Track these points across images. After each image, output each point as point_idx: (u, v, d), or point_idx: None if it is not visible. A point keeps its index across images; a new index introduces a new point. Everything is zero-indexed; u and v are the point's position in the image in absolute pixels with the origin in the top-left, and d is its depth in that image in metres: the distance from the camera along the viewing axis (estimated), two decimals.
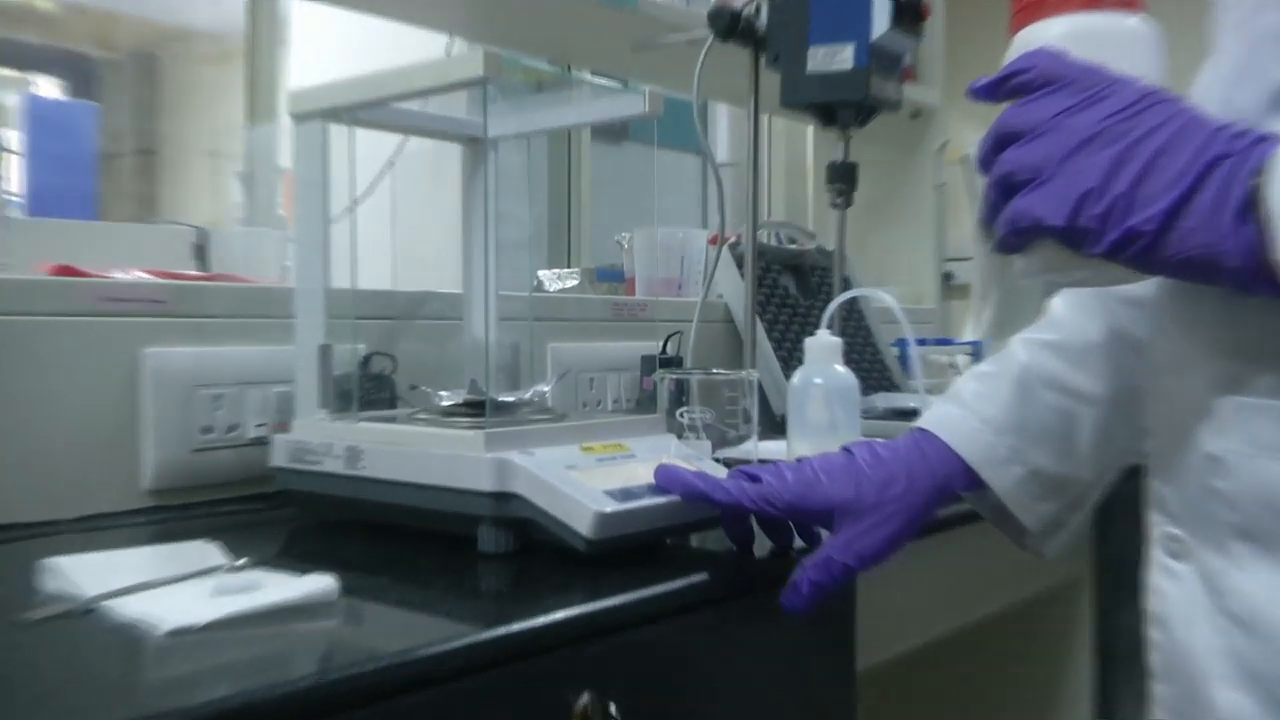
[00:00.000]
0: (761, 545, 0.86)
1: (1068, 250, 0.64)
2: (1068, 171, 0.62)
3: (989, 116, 0.68)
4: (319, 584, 0.70)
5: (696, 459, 0.91)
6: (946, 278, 2.37)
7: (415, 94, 0.91)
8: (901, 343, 1.89)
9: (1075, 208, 0.62)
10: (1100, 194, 0.61)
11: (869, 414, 1.54)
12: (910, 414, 1.57)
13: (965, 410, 0.84)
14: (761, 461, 1.01)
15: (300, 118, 0.98)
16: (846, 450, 0.82)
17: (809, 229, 2.02)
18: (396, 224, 1.26)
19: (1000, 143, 0.66)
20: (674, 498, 0.82)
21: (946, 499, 0.82)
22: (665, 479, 0.82)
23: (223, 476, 1.08)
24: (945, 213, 2.27)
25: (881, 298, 1.23)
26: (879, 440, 0.83)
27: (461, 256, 1.16)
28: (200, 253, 1.67)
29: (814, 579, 0.78)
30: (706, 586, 0.78)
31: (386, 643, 0.63)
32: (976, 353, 1.90)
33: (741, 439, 1.07)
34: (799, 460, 0.82)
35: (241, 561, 0.77)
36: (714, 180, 1.53)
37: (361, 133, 0.99)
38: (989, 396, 0.85)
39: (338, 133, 0.97)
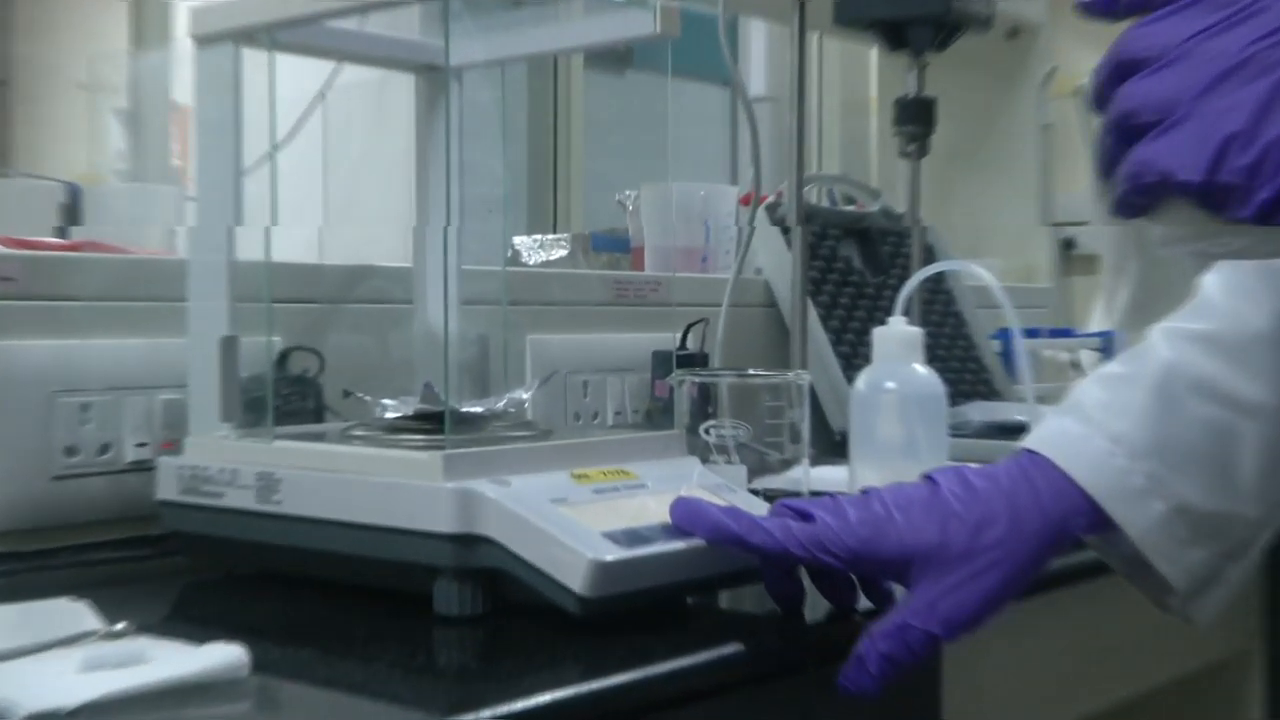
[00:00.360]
0: (814, 605, 0.85)
1: (1205, 213, 0.63)
2: (1205, 111, 0.62)
3: (1107, 38, 0.67)
4: (223, 656, 0.70)
5: (727, 490, 0.91)
6: (1066, 246, 2.37)
7: (354, 8, 0.91)
8: (1004, 334, 1.89)
9: (1215, 158, 0.62)
10: (1248, 140, 0.61)
11: (960, 430, 1.54)
12: (1016, 430, 1.56)
13: (1088, 425, 0.84)
14: (815, 494, 1.00)
15: (204, 40, 0.98)
16: (929, 479, 0.82)
17: (872, 184, 2.01)
18: (329, 178, 1.27)
19: (1118, 73, 0.65)
20: (697, 542, 0.82)
21: (1063, 544, 0.81)
22: (685, 516, 0.82)
23: (93, 513, 1.08)
24: (1054, 162, 2.27)
25: (976, 274, 1.23)
26: (972, 466, 0.83)
27: (414, 220, 1.15)
28: (70, 214, 1.68)
29: (885, 652, 0.77)
30: (741, 661, 0.78)
31: None
32: (1106, 347, 1.90)
33: (787, 464, 1.08)
34: (865, 493, 0.82)
35: (120, 626, 0.77)
36: (746, 120, 1.53)
37: (284, 60, 0.99)
38: (1120, 407, 0.84)
39: (252, 59, 0.97)
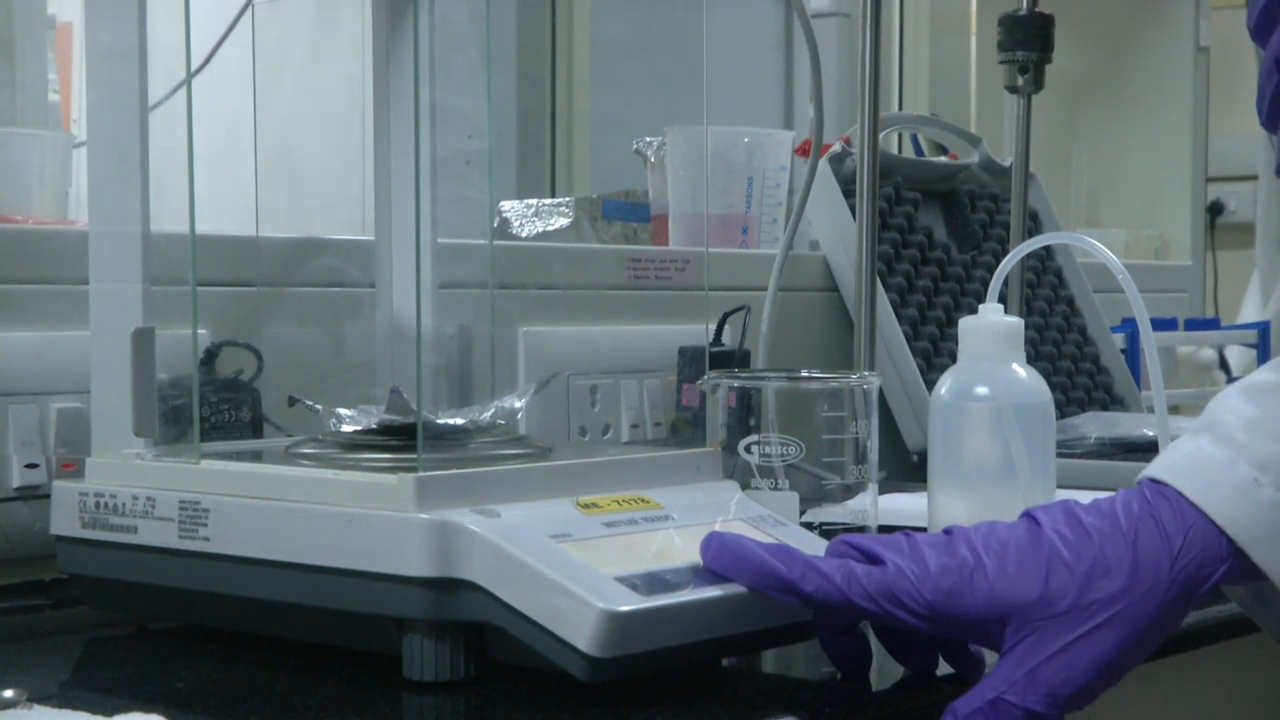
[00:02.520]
0: (881, 668, 0.87)
1: None
2: None
3: None
4: None
5: (773, 523, 0.93)
6: (1213, 212, 2.38)
7: None
8: (1129, 326, 1.90)
9: None
10: None
11: (1072, 449, 1.56)
12: (1143, 448, 1.58)
13: (1230, 449, 0.85)
14: (884, 530, 1.02)
15: None
16: (1029, 518, 0.83)
17: (969, 129, 2.03)
18: (261, 125, 1.28)
19: None
20: (735, 589, 0.84)
21: (1197, 597, 0.83)
22: (721, 556, 0.84)
23: None
24: (1212, 98, 2.27)
25: (1095, 248, 1.24)
26: (1083, 501, 0.84)
27: (373, 179, 1.18)
28: None
29: None
30: None
31: None
32: (1261, 344, 1.91)
33: (850, 491, 1.09)
34: (947, 532, 0.84)
35: (8, 694, 0.78)
36: (806, 43, 1.54)
37: None
38: (1273, 428, 0.85)
39: None
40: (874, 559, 0.82)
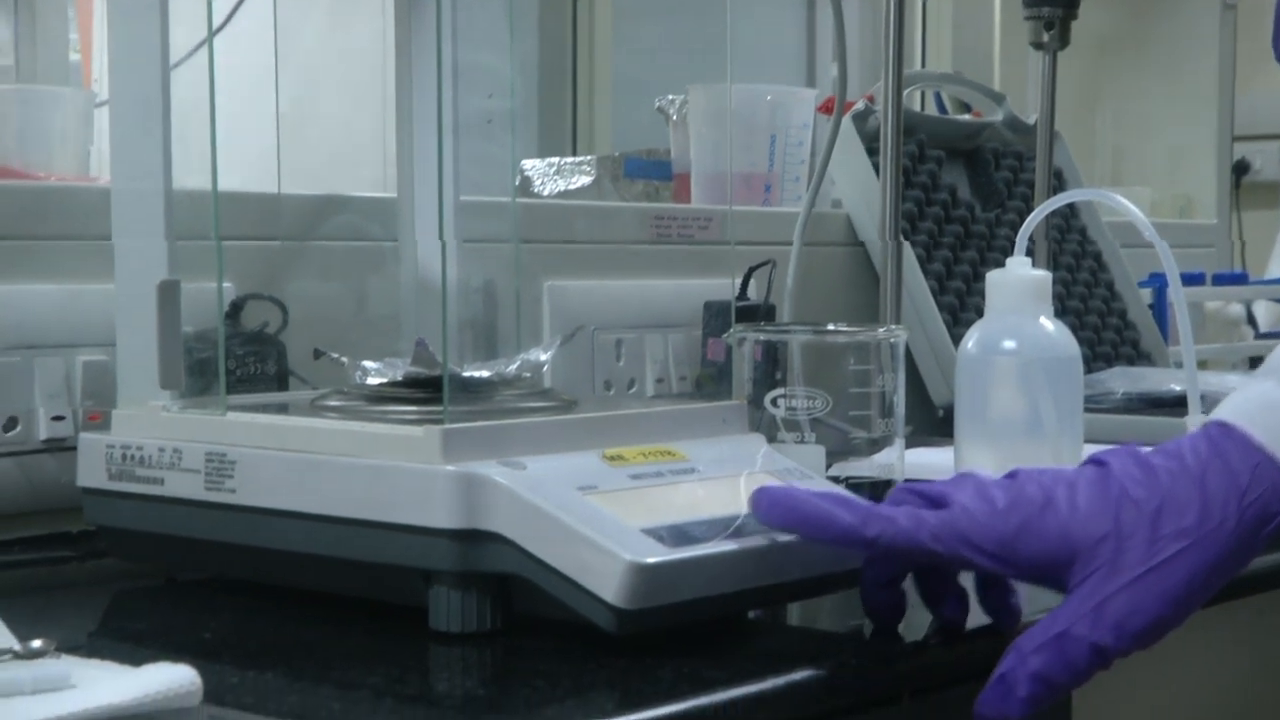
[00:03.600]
0: (910, 624, 0.87)
1: None
2: None
3: None
4: (167, 680, 0.71)
5: (800, 476, 0.93)
6: (1239, 171, 2.37)
7: None
8: (1156, 280, 1.89)
9: None
10: None
11: (1099, 403, 1.55)
12: (1171, 404, 1.58)
13: None
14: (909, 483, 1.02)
15: None
16: (1095, 461, 0.84)
17: (993, 86, 2.02)
18: (284, 78, 1.28)
19: None
20: (759, 541, 0.84)
21: (1265, 534, 0.83)
22: (775, 508, 0.84)
23: None
24: (1239, 56, 2.27)
25: (1121, 205, 1.24)
26: (1143, 447, 0.84)
27: (395, 137, 1.17)
28: None
29: (1038, 670, 0.79)
30: (817, 689, 0.80)
31: None
32: None
33: (876, 444, 1.09)
34: (1012, 475, 0.84)
35: (37, 644, 0.78)
36: (828, 2, 1.53)
37: None
38: None
39: None
40: (939, 502, 0.82)
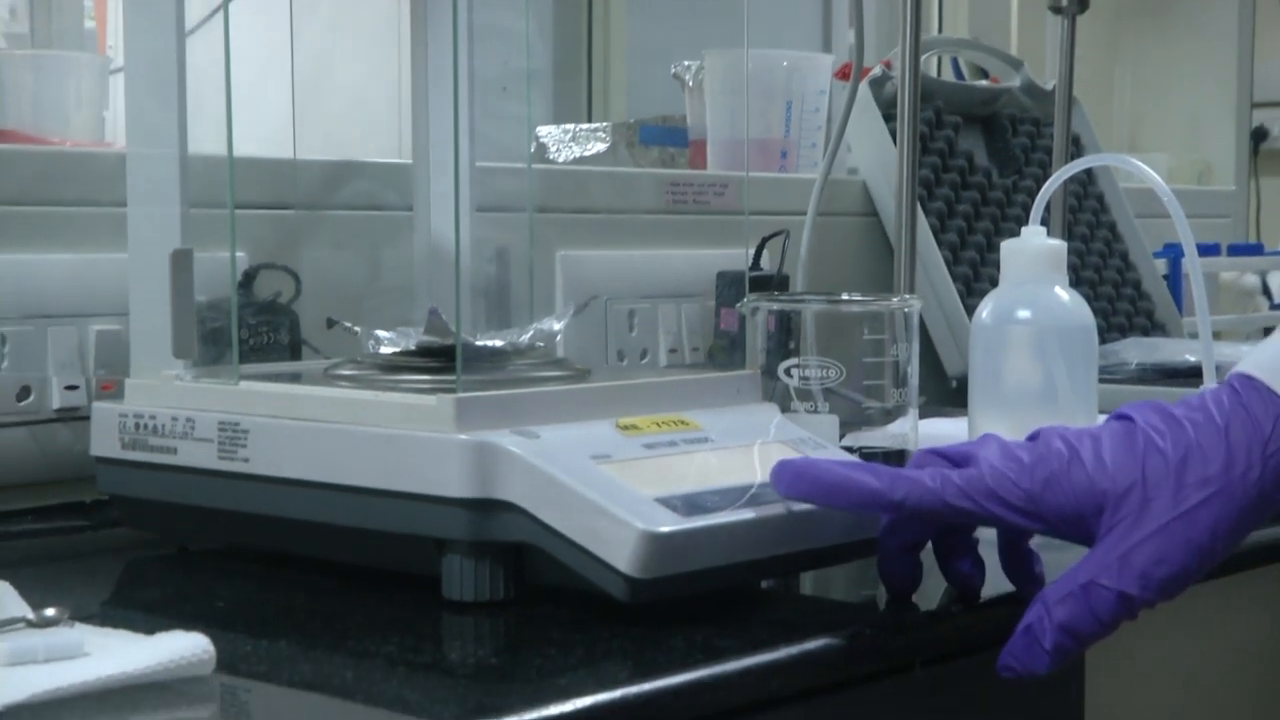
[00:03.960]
0: (922, 593, 0.88)
1: None
2: None
3: None
4: (181, 649, 0.72)
5: (813, 445, 0.93)
6: (1257, 137, 2.36)
7: None
8: (1172, 250, 1.89)
9: None
10: None
11: (1114, 374, 1.55)
12: (1186, 374, 1.57)
13: None
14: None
15: None
16: (1119, 415, 0.84)
17: (1010, 52, 2.02)
18: (299, 44, 1.28)
19: None
20: (773, 511, 0.84)
21: None
22: (797, 480, 0.83)
23: (11, 474, 1.11)
24: (1259, 22, 2.25)
25: (1140, 171, 1.24)
26: (1165, 403, 0.85)
27: (410, 103, 1.17)
28: None
29: (1064, 620, 0.79)
30: (830, 659, 0.80)
31: None
32: None
33: (890, 414, 1.09)
34: (1036, 434, 0.84)
35: (51, 612, 0.78)
36: None
37: None
38: None
39: None
40: (962, 463, 0.83)
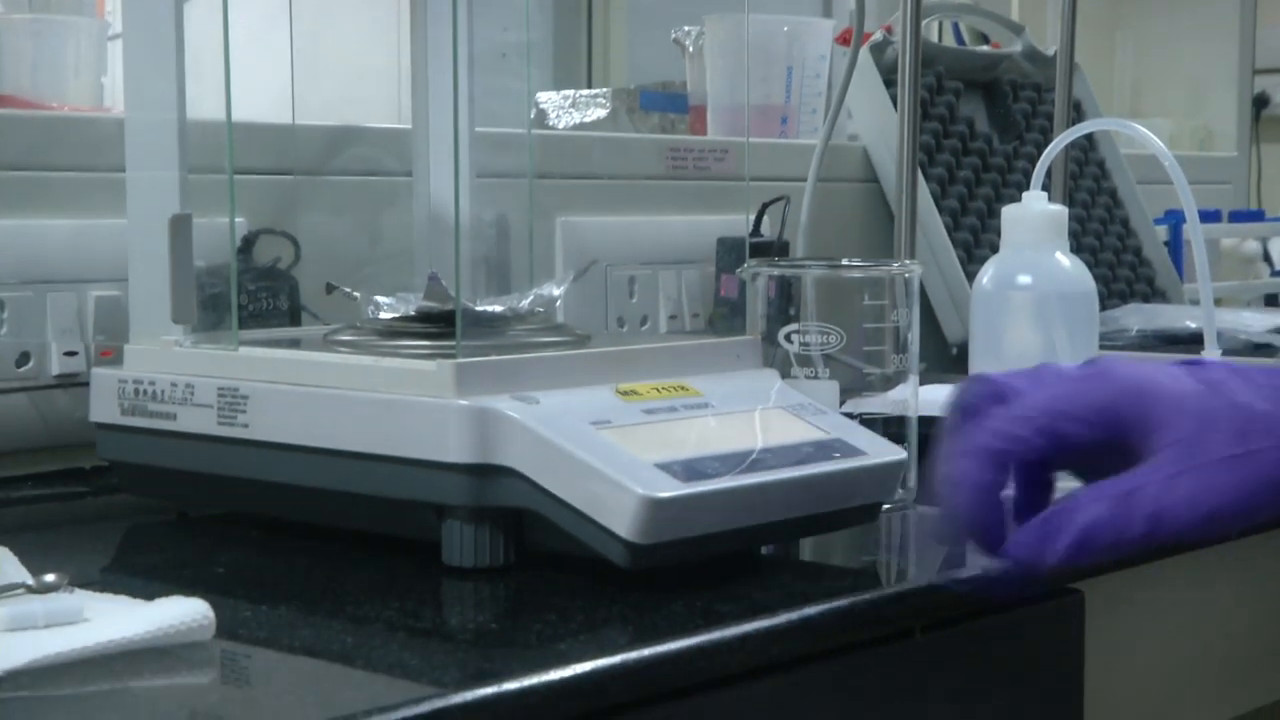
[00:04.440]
0: (921, 560, 0.87)
1: None
2: None
3: None
4: (181, 614, 0.72)
5: (813, 411, 0.93)
6: (1259, 104, 2.36)
7: None
8: (1173, 217, 1.89)
9: None
10: None
11: (1114, 340, 1.55)
12: (1187, 341, 1.57)
13: None
14: (923, 421, 1.02)
15: None
16: (1187, 362, 0.82)
17: (1012, 17, 2.01)
18: (298, 9, 1.28)
19: None
20: (775, 476, 0.84)
21: None
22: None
23: (10, 440, 1.11)
24: None
25: (1141, 136, 1.23)
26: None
27: (410, 68, 1.17)
28: None
29: (1090, 522, 0.75)
30: (829, 624, 0.80)
31: (294, 715, 0.65)
32: None
33: (890, 381, 1.09)
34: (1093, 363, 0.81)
35: (51, 578, 0.78)
36: None
37: None
38: None
39: None
40: (1004, 397, 0.80)
